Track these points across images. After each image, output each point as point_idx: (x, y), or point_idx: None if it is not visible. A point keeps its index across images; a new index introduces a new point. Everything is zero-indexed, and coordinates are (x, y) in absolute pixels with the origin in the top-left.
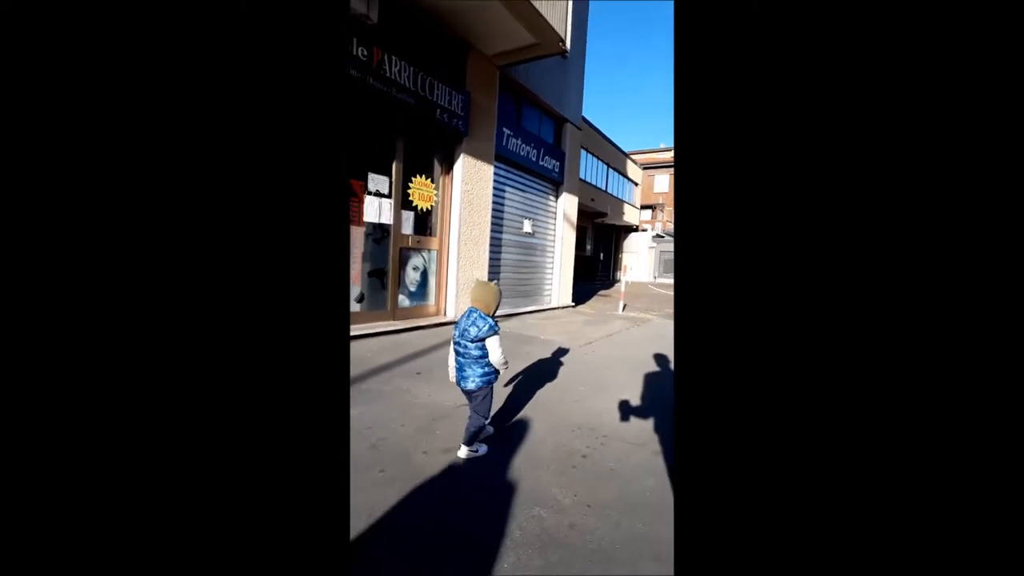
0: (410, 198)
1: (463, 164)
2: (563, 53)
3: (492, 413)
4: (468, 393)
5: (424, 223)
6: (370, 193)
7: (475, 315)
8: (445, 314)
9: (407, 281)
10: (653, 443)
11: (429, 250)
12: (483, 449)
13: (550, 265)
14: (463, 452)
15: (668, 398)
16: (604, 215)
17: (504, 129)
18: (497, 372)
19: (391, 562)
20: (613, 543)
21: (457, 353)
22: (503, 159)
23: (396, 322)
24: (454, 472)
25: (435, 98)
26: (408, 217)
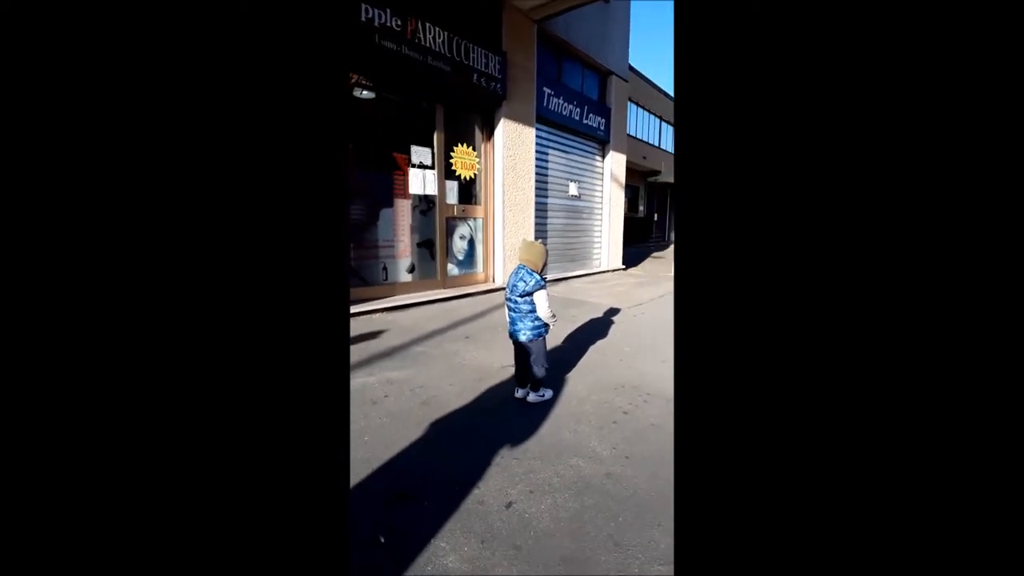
0: (453, 167)
1: (504, 129)
2: None
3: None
4: (522, 345)
5: (468, 192)
6: (414, 166)
7: (523, 272)
8: (493, 281)
9: (455, 250)
10: None
11: (475, 218)
12: (548, 393)
13: (598, 228)
14: (531, 397)
15: None
16: (658, 173)
17: (544, 89)
18: (547, 325)
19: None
20: (649, 491)
21: (509, 309)
22: (544, 120)
23: (446, 290)
24: (492, 427)
25: (471, 62)
26: (452, 187)
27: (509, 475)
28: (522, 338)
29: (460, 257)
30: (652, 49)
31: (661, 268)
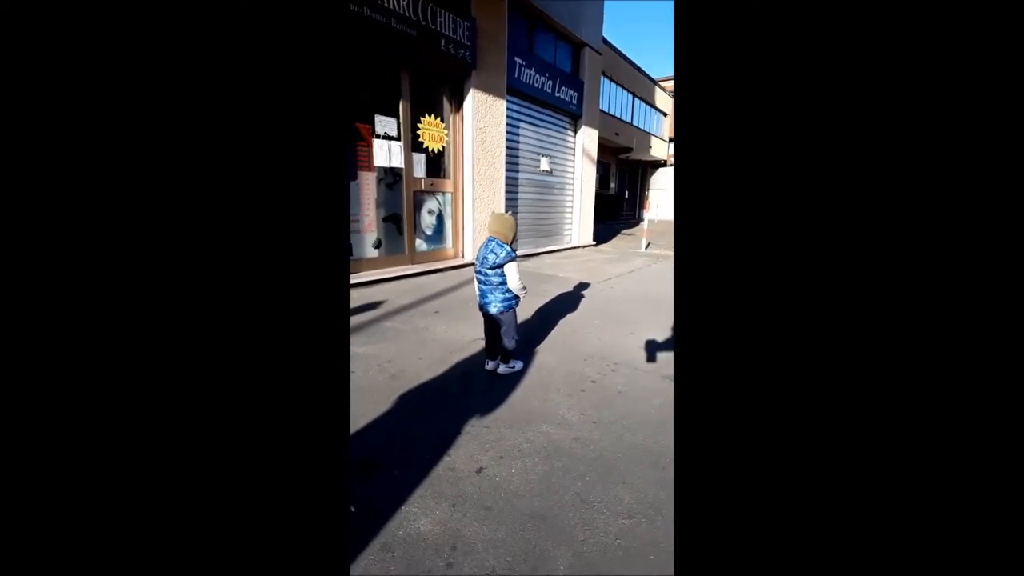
0: (420, 139)
1: (473, 100)
2: None
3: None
4: (493, 318)
5: (437, 165)
6: (378, 136)
7: (493, 244)
8: (463, 256)
9: (423, 225)
10: (663, 368)
11: (443, 193)
12: (519, 365)
13: (569, 203)
14: (502, 368)
15: None
16: (629, 150)
17: (515, 59)
18: (517, 298)
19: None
20: (614, 453)
21: (479, 282)
22: (516, 92)
23: (415, 266)
24: (463, 398)
25: (438, 27)
26: (419, 160)
27: (480, 442)
28: (492, 310)
29: (429, 232)
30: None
31: (631, 244)
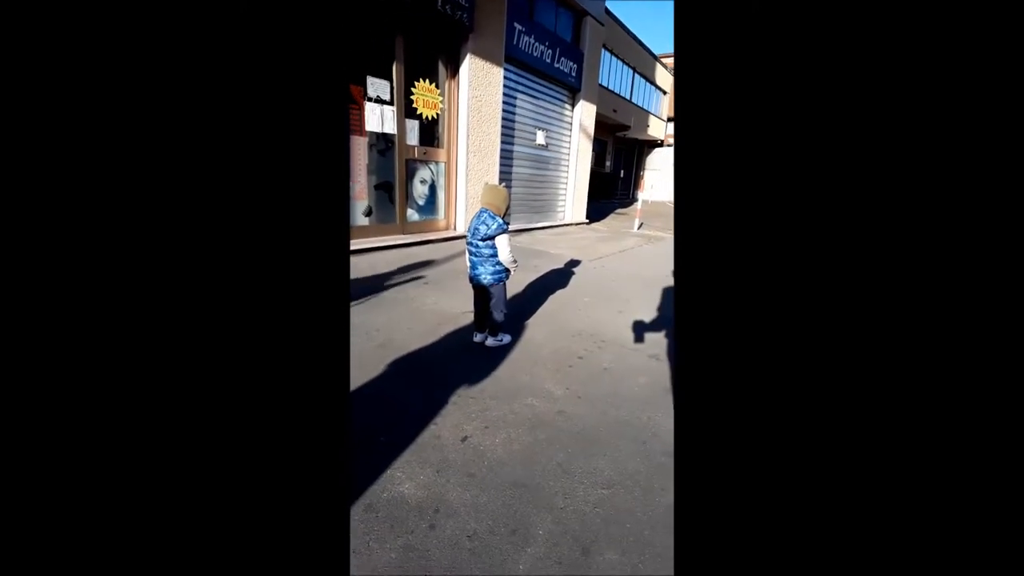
0: (414, 105)
1: (470, 66)
2: None
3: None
4: (483, 289)
5: (431, 133)
6: (370, 99)
7: (485, 215)
8: (455, 228)
9: (415, 195)
10: (650, 348)
11: (437, 162)
12: (507, 338)
13: (564, 180)
14: (490, 341)
15: (672, 309)
16: (627, 128)
17: (515, 24)
18: (508, 271)
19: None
20: (598, 427)
21: (470, 254)
22: (514, 61)
23: (405, 236)
24: (450, 369)
25: None
26: (413, 126)
27: (465, 413)
28: (483, 281)
29: (420, 202)
30: None
31: (624, 224)
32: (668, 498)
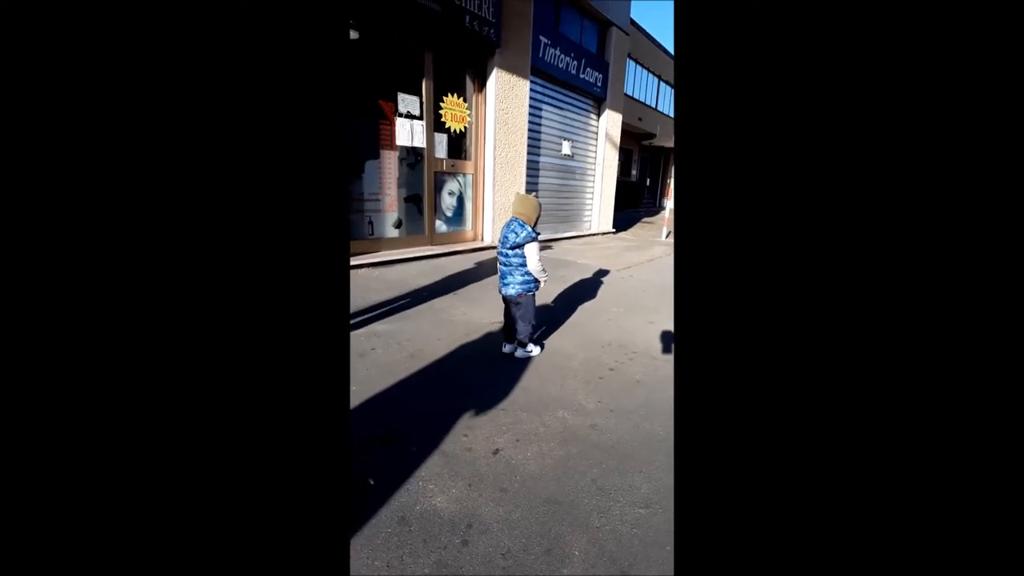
0: (442, 119)
1: (496, 80)
2: None
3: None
4: (511, 299)
5: (458, 146)
6: (401, 115)
7: (515, 224)
8: (482, 239)
9: (443, 206)
10: None
11: (464, 174)
12: (536, 349)
13: (590, 189)
14: (519, 352)
15: None
16: (652, 136)
17: (541, 37)
18: (537, 282)
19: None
20: (632, 442)
21: (500, 263)
22: (540, 73)
23: (434, 247)
24: (480, 380)
25: (463, 3)
26: (441, 140)
27: (496, 425)
28: (512, 291)
29: (449, 214)
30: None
31: (651, 233)
32: None
